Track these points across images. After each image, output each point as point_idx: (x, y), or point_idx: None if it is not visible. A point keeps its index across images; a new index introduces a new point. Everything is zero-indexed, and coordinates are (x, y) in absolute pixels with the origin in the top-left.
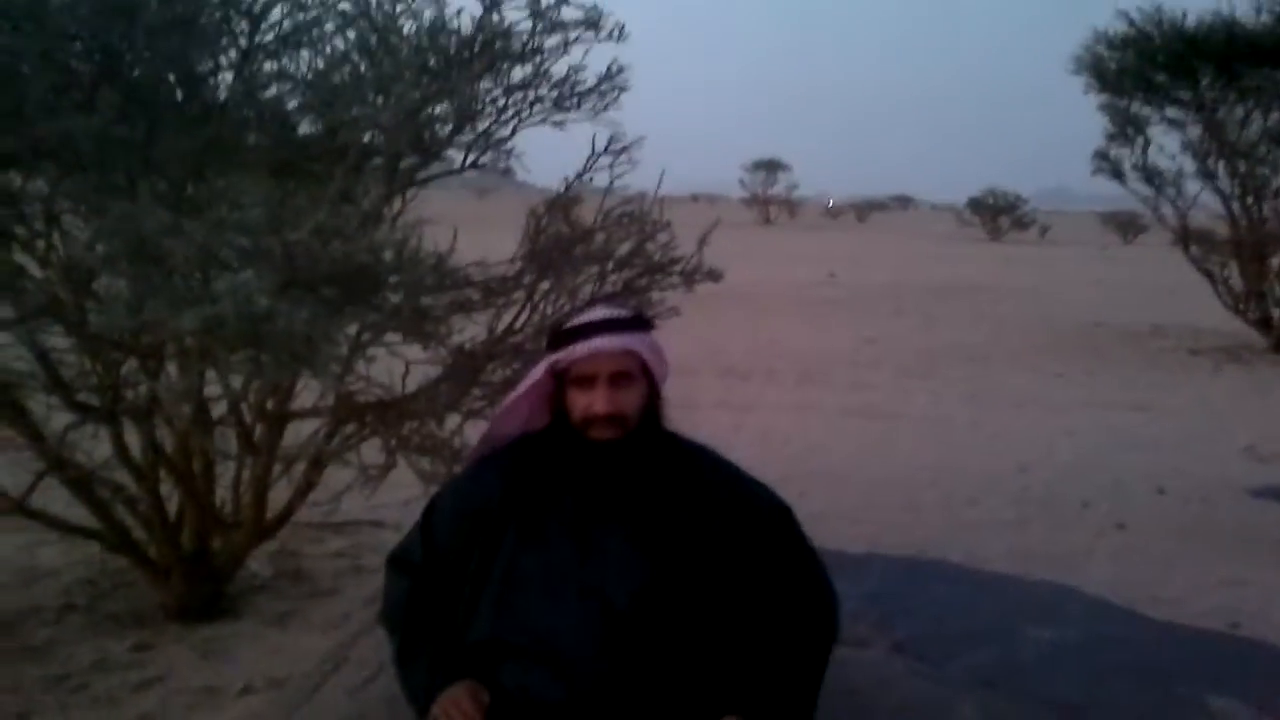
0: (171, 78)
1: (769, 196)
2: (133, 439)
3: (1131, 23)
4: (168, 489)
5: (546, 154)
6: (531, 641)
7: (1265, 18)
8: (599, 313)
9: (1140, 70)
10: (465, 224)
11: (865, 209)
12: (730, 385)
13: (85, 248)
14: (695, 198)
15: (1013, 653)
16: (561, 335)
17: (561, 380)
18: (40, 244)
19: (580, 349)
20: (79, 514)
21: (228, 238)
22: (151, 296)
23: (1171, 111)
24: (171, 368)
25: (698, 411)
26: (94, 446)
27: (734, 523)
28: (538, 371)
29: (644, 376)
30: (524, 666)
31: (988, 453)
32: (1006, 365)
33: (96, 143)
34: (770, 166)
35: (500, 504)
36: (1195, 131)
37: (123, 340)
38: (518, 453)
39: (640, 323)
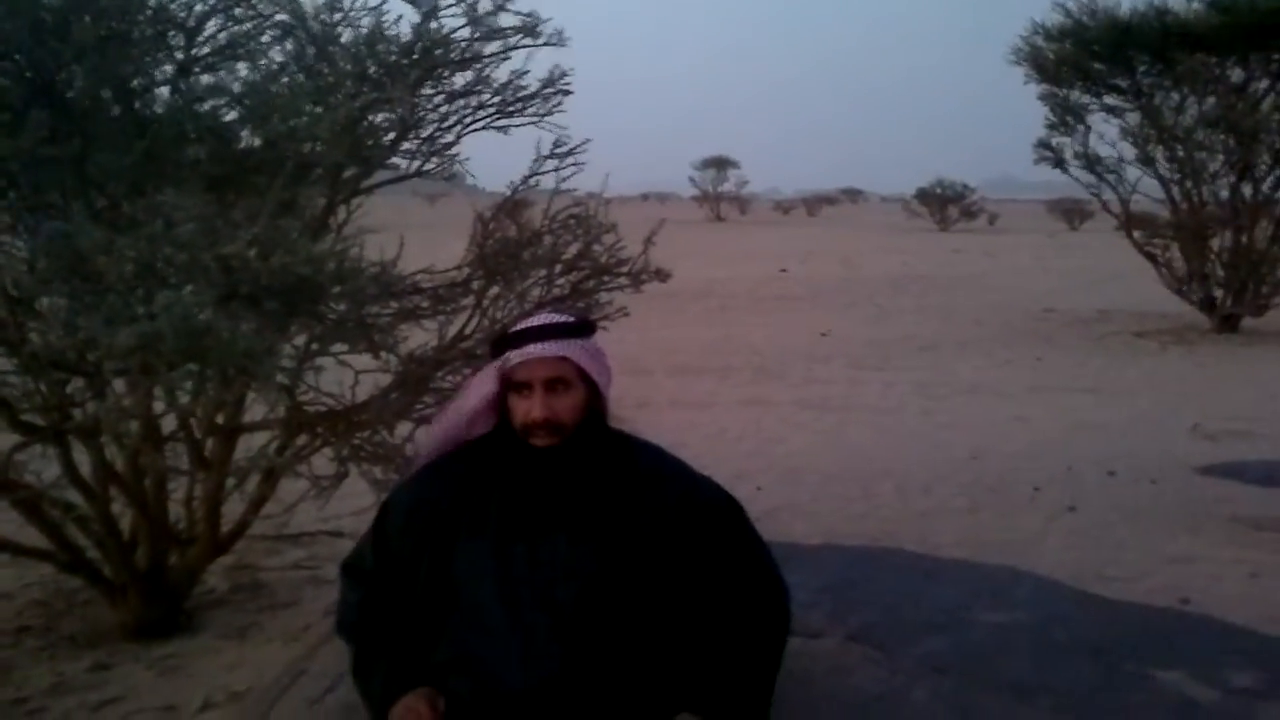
0: (107, 93)
1: (719, 194)
2: (82, 458)
3: (1068, 13)
4: (120, 507)
5: (496, 158)
6: (485, 647)
7: (1197, 5)
8: (537, 319)
9: (1078, 60)
10: (416, 230)
11: (815, 203)
12: (685, 383)
13: (24, 268)
14: (645, 197)
15: (965, 637)
16: (500, 342)
17: (505, 386)
18: None
19: (515, 356)
20: (30, 535)
21: (164, 253)
22: (86, 314)
23: (1110, 99)
24: (118, 385)
25: (652, 410)
26: (43, 467)
27: (682, 520)
28: (487, 376)
29: (583, 382)
30: (476, 671)
31: (940, 441)
32: (957, 354)
33: (26, 163)
34: (719, 164)
35: (449, 508)
36: (1134, 118)
37: (63, 359)
38: (465, 457)
39: (578, 329)
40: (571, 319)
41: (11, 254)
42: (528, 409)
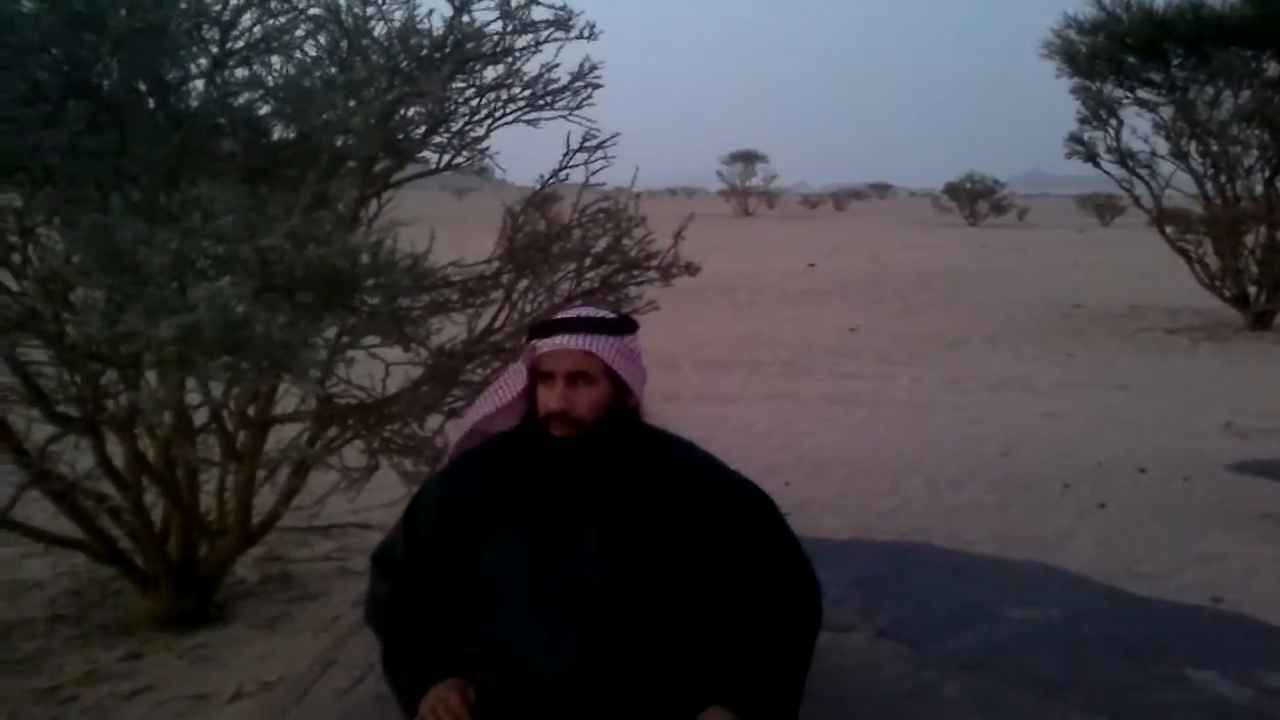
0: (142, 86)
1: (747, 188)
2: (115, 449)
3: (1101, 6)
4: (152, 498)
5: (525, 152)
6: (515, 639)
7: None
8: (570, 311)
9: (1111, 53)
10: (444, 224)
11: (844, 197)
12: (713, 377)
13: (62, 260)
14: (673, 191)
15: (995, 633)
16: (532, 330)
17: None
18: (16, 257)
19: (542, 345)
20: (64, 525)
21: (202, 246)
22: (127, 307)
23: (1143, 93)
24: (151, 377)
25: (680, 404)
26: (76, 458)
27: (713, 515)
28: (520, 366)
29: (608, 379)
30: (506, 663)
31: (970, 437)
32: (986, 349)
33: (65, 155)
34: (747, 158)
35: (480, 501)
36: (1167, 113)
37: (100, 351)
38: (496, 450)
39: (610, 325)
40: (608, 315)
41: (51, 247)
42: (547, 399)
